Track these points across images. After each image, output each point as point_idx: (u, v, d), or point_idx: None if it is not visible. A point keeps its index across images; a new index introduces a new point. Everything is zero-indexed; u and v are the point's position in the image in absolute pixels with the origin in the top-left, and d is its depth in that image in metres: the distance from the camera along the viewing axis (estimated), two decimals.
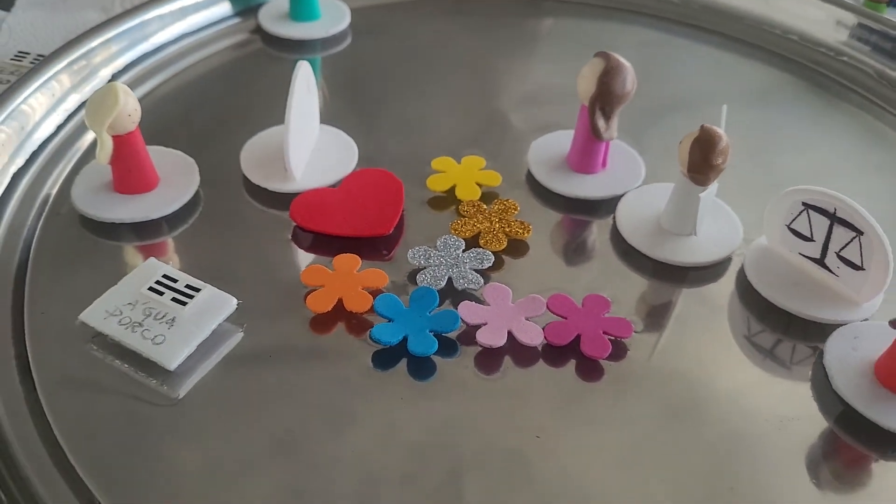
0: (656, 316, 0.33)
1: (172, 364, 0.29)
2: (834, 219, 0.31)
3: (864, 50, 0.47)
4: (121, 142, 0.34)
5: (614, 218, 0.36)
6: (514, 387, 0.30)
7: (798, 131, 0.43)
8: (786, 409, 0.29)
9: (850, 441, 0.29)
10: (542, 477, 0.27)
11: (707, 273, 0.34)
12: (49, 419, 0.28)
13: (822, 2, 0.49)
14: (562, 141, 0.39)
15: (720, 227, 0.35)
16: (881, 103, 0.45)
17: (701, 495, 0.27)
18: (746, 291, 0.34)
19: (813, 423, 0.29)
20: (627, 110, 0.36)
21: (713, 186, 0.33)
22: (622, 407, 0.29)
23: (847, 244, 0.31)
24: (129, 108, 0.33)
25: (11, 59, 0.45)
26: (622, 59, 0.35)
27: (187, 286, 0.31)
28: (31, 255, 0.33)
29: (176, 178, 0.36)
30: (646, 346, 0.31)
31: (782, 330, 0.32)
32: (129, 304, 0.30)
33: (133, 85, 0.42)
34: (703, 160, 0.32)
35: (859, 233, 0.31)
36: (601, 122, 0.35)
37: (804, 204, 0.32)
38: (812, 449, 0.28)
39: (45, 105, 0.39)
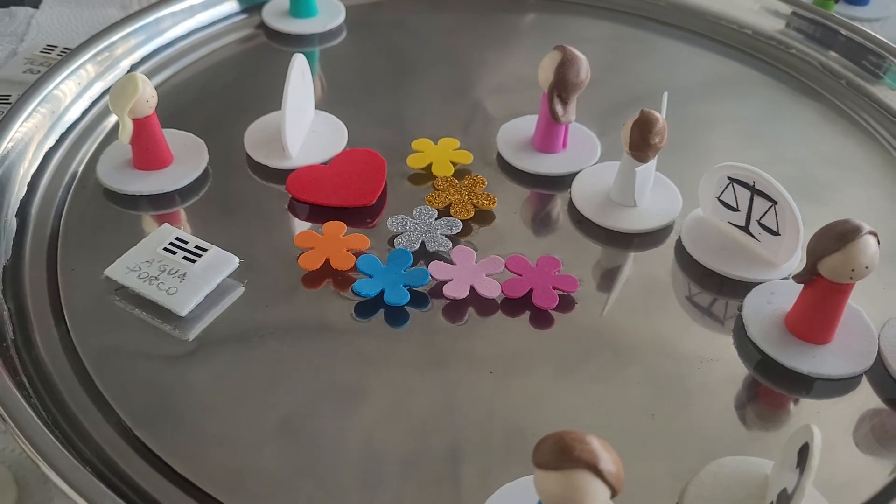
0: (605, 277, 0.37)
1: (184, 311, 0.34)
2: (754, 191, 0.36)
3: (810, 43, 0.52)
4: (140, 124, 0.39)
5: (570, 192, 0.41)
6: (475, 333, 0.35)
7: (747, 117, 0.48)
8: (707, 353, 0.34)
9: (766, 383, 0.33)
10: (492, 404, 0.32)
11: (651, 239, 0.39)
12: (81, 357, 0.33)
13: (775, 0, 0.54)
14: (528, 125, 0.44)
15: (663, 199, 0.40)
16: (821, 90, 0.50)
17: (624, 421, 0.31)
18: (683, 256, 0.38)
19: (730, 365, 0.34)
20: (595, 99, 0.41)
21: (651, 163, 0.38)
22: (566, 350, 0.34)
23: (765, 213, 0.36)
24: (146, 94, 0.38)
25: (41, 52, 0.50)
26: (577, 52, 0.39)
27: (196, 247, 0.36)
28: (62, 223, 0.39)
29: (187, 156, 0.42)
30: (593, 301, 0.36)
31: (715, 289, 0.37)
32: (147, 261, 0.35)
33: (150, 74, 0.48)
34: (641, 139, 0.36)
35: (774, 202, 0.35)
36: (559, 108, 0.40)
37: (729, 178, 0.37)
38: (726, 385, 0.33)
39: (73, 91, 0.44)
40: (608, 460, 0.23)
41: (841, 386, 0.33)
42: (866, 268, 0.31)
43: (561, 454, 0.23)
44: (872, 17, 0.58)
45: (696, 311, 0.36)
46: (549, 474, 0.23)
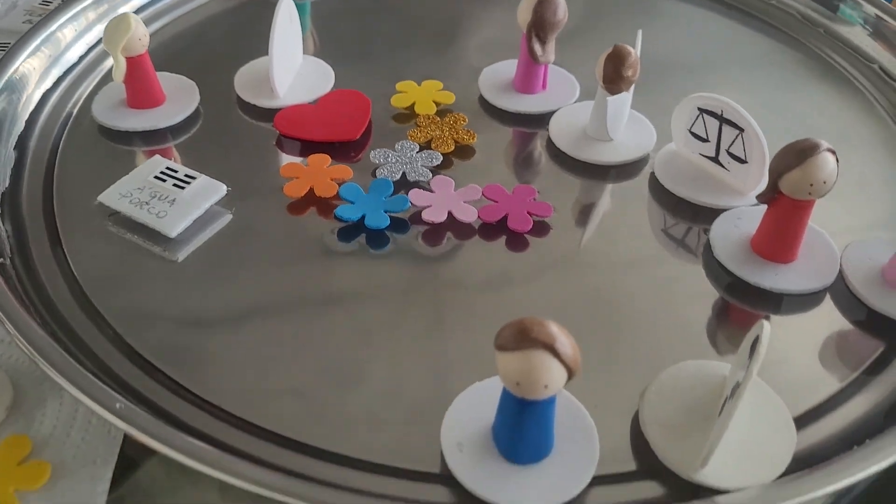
0: (581, 206, 0.39)
1: (173, 232, 0.35)
2: (722, 119, 0.37)
3: None
4: (133, 63, 0.40)
5: (548, 129, 0.42)
6: (453, 256, 0.36)
7: (725, 65, 0.49)
8: (676, 273, 0.36)
9: (732, 301, 0.35)
10: (466, 315, 0.33)
11: (626, 172, 0.40)
12: (76, 275, 0.34)
13: None
14: (509, 69, 0.45)
15: (638, 134, 0.41)
16: (798, 37, 0.51)
17: (592, 330, 0.33)
18: (657, 187, 0.40)
19: (698, 284, 0.35)
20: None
21: (625, 96, 0.39)
22: (540, 270, 0.35)
23: (733, 141, 0.37)
24: (139, 33, 0.40)
25: (40, 4, 0.52)
26: None
27: (186, 175, 0.38)
28: (58, 156, 0.40)
29: (179, 96, 0.43)
30: (568, 228, 0.38)
31: (687, 217, 0.38)
32: (139, 188, 0.37)
33: (145, 23, 0.49)
34: (614, 72, 0.38)
35: (741, 130, 0.37)
36: (537, 47, 0.41)
37: (699, 109, 0.38)
38: (693, 302, 0.34)
39: (71, 35, 0.46)
40: (565, 343, 0.24)
41: (805, 302, 0.35)
42: (824, 183, 0.32)
43: (519, 335, 0.24)
44: None
45: (668, 237, 0.37)
46: (509, 355, 0.24)
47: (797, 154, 0.32)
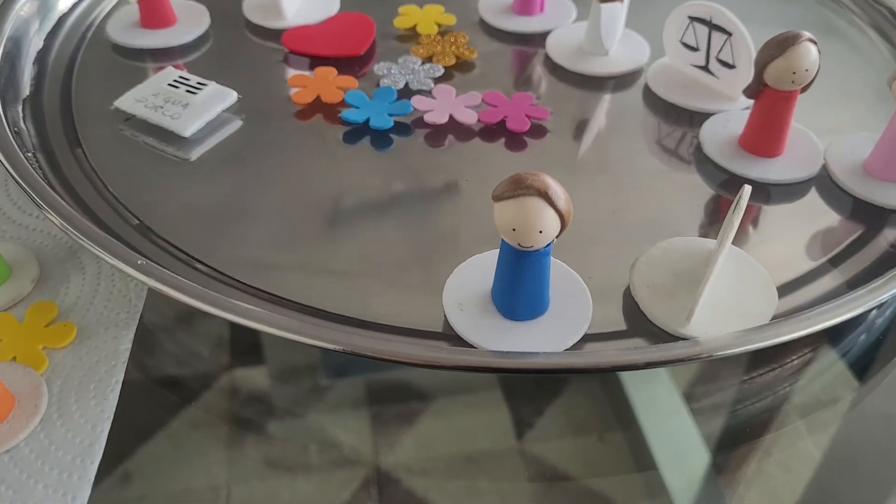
0: (577, 114, 0.40)
1: (186, 132, 0.37)
2: (710, 25, 0.39)
3: None
4: None
5: (546, 45, 0.44)
6: (453, 153, 0.38)
7: None
8: (668, 168, 0.37)
9: (722, 193, 0.36)
10: (466, 201, 0.35)
11: (621, 83, 0.42)
12: (96, 170, 0.36)
13: None
14: None
15: (632, 49, 0.43)
16: None
17: (588, 215, 0.34)
18: (650, 96, 0.41)
19: (689, 178, 0.37)
20: None
21: (619, 7, 0.41)
22: (537, 166, 0.37)
23: (722, 47, 0.39)
24: None
25: None
26: None
27: (198, 82, 0.39)
28: (74, 72, 0.42)
29: (190, 18, 0.45)
30: (565, 132, 0.39)
31: (678, 122, 0.40)
32: (153, 94, 0.39)
33: None
34: None
35: (729, 34, 0.38)
36: None
37: (689, 17, 0.40)
38: (685, 193, 0.36)
39: None
40: (558, 192, 0.26)
41: (791, 192, 0.36)
42: (806, 71, 0.33)
43: (515, 184, 0.26)
44: None
45: (662, 142, 0.39)
46: (505, 203, 0.26)
47: (779, 44, 0.33)
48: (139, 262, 0.28)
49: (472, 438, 0.30)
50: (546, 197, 0.26)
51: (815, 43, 0.34)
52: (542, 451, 0.30)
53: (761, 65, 0.34)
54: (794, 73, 0.33)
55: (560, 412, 0.31)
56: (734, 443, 0.30)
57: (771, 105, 0.35)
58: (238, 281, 0.31)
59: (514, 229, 0.26)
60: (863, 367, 0.32)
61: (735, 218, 0.27)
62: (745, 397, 0.31)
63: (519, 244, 0.26)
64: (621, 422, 0.31)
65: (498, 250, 0.29)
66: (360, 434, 0.30)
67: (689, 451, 0.29)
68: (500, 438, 0.30)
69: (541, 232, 0.26)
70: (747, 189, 0.28)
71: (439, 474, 0.29)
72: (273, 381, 0.32)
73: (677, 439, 0.30)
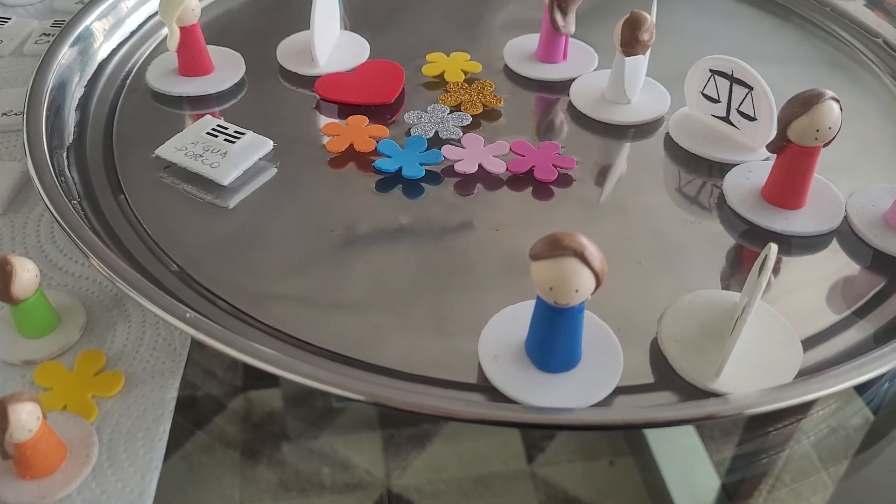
0: (601, 162, 0.42)
1: (225, 180, 0.38)
2: (732, 79, 0.40)
3: None
4: (185, 32, 0.44)
5: (570, 93, 0.45)
6: (483, 202, 0.39)
7: (736, 40, 0.52)
8: (691, 218, 0.38)
9: (745, 244, 0.37)
10: (498, 250, 0.36)
11: (642, 132, 0.43)
12: (138, 217, 0.37)
13: None
14: (532, 41, 0.48)
15: (653, 98, 0.44)
16: (802, 12, 0.54)
17: (615, 266, 0.34)
18: (672, 145, 0.42)
19: (712, 228, 0.38)
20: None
21: (641, 59, 0.42)
22: (565, 215, 0.38)
23: (743, 100, 0.40)
24: (192, 4, 0.43)
25: None
26: None
27: (235, 131, 0.41)
28: (115, 118, 0.44)
29: (227, 66, 0.46)
30: (590, 180, 0.40)
31: (700, 172, 0.41)
32: (192, 142, 0.40)
33: None
34: (631, 36, 0.40)
35: (750, 88, 0.39)
36: (559, 17, 0.44)
37: (711, 70, 0.41)
38: (708, 243, 0.37)
39: (131, 3, 0.50)
40: (593, 252, 0.27)
41: (813, 244, 0.37)
42: (830, 129, 0.35)
43: (552, 245, 0.27)
44: None
45: (684, 190, 0.40)
46: (543, 263, 0.27)
47: (803, 102, 0.35)
48: (187, 315, 0.29)
49: (483, 461, 0.31)
50: (582, 257, 0.27)
51: (837, 101, 0.35)
52: (553, 475, 0.30)
53: (785, 122, 0.35)
54: (818, 130, 0.34)
55: (571, 436, 0.32)
56: (745, 469, 0.30)
57: (794, 160, 0.36)
58: (278, 330, 0.32)
59: (551, 288, 0.27)
60: (884, 414, 0.33)
61: (762, 278, 0.28)
62: (757, 426, 0.32)
63: (556, 302, 0.28)
64: (632, 446, 0.32)
65: (529, 301, 0.30)
66: (372, 456, 0.31)
67: (700, 477, 0.30)
68: (511, 462, 0.31)
69: (577, 291, 0.27)
70: (773, 248, 0.29)
71: (451, 497, 0.30)
72: (286, 403, 0.33)
73: (688, 464, 0.31)
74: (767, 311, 0.32)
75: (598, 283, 0.27)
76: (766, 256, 0.29)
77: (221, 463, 0.30)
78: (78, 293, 0.35)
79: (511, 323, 0.32)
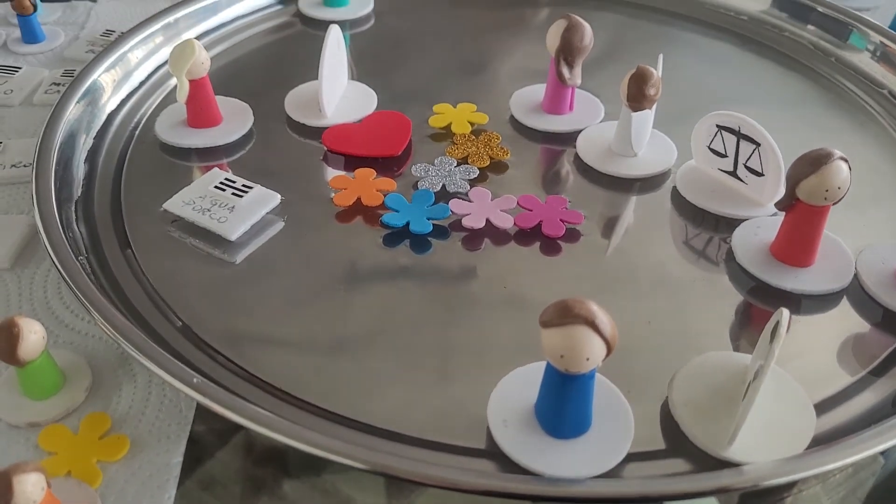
0: (608, 216, 0.42)
1: (233, 235, 0.38)
2: (739, 135, 0.40)
3: (797, 22, 0.57)
4: (195, 85, 0.44)
5: (576, 145, 0.45)
6: (490, 258, 0.39)
7: (740, 91, 0.52)
8: (700, 276, 0.38)
9: (754, 302, 0.37)
10: (506, 309, 0.36)
11: (649, 185, 0.43)
12: (145, 273, 0.37)
13: None
14: (538, 92, 0.48)
15: (660, 151, 0.44)
16: (809, 64, 0.55)
17: (624, 326, 0.34)
18: (679, 199, 0.42)
19: (721, 286, 0.38)
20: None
21: (648, 114, 0.42)
22: (573, 272, 0.38)
23: (750, 155, 0.40)
24: (201, 57, 0.43)
25: (101, 36, 0.56)
26: (581, 19, 0.44)
27: (243, 185, 0.41)
28: (124, 169, 0.44)
29: (235, 117, 0.47)
30: (597, 235, 0.40)
31: (707, 227, 0.41)
32: (200, 196, 0.40)
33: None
34: (638, 91, 0.41)
35: (758, 144, 0.39)
36: (565, 70, 0.45)
37: (717, 126, 0.41)
38: (717, 301, 0.37)
39: (140, 56, 0.50)
40: (604, 319, 0.27)
41: (823, 303, 0.37)
42: (839, 188, 0.34)
43: (562, 312, 0.27)
44: (863, 6, 0.62)
45: (691, 245, 0.40)
46: (553, 331, 0.27)
47: (812, 162, 0.35)
48: (195, 380, 0.29)
49: (486, 500, 0.30)
50: (593, 325, 0.27)
51: (846, 161, 0.35)
52: None
53: (794, 181, 0.35)
54: (827, 190, 0.34)
55: None
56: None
57: (803, 218, 0.36)
58: (284, 392, 0.32)
59: (561, 356, 0.27)
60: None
61: (775, 345, 0.28)
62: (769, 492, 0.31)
63: (566, 369, 0.27)
64: None
65: (539, 363, 0.30)
66: (375, 494, 0.31)
67: None
68: (513, 501, 0.30)
69: (588, 359, 0.27)
70: (785, 314, 0.29)
71: None
72: None
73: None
74: (779, 375, 0.32)
75: (609, 350, 0.27)
76: (777, 322, 0.29)
77: (222, 499, 0.30)
78: (84, 351, 0.34)
79: (521, 386, 0.31)
